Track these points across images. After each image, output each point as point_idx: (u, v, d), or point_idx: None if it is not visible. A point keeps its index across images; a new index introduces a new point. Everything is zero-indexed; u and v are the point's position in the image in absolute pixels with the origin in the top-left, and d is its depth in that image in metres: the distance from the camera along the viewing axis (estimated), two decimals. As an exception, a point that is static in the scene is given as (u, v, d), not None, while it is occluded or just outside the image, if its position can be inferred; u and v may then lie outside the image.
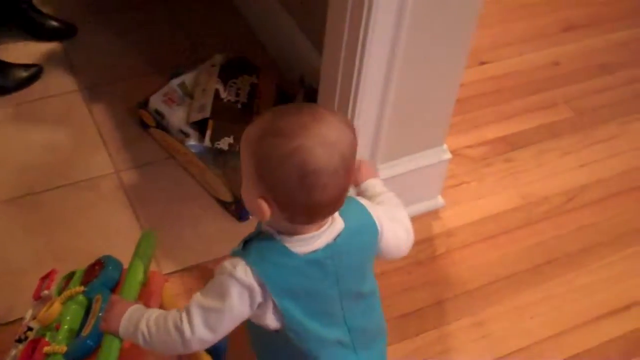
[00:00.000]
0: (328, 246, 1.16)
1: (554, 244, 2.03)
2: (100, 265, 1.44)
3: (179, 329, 1.15)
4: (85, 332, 1.31)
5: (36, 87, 2.32)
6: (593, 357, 1.79)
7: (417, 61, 1.69)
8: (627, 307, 1.90)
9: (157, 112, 2.14)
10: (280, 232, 1.15)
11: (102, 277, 1.41)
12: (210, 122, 2.03)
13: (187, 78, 2.20)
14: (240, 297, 1.13)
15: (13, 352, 1.45)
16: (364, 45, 1.60)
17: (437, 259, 1.94)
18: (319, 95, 1.87)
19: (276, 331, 1.18)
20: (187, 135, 2.08)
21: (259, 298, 1.13)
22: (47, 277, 1.56)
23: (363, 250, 1.24)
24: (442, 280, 1.90)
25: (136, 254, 1.36)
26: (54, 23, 2.49)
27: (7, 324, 1.73)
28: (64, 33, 2.50)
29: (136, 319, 1.19)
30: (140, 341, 1.19)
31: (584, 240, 2.05)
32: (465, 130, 2.32)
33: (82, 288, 1.40)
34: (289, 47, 2.34)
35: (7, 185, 2.04)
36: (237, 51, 2.29)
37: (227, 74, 2.16)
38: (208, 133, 2.02)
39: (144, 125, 2.20)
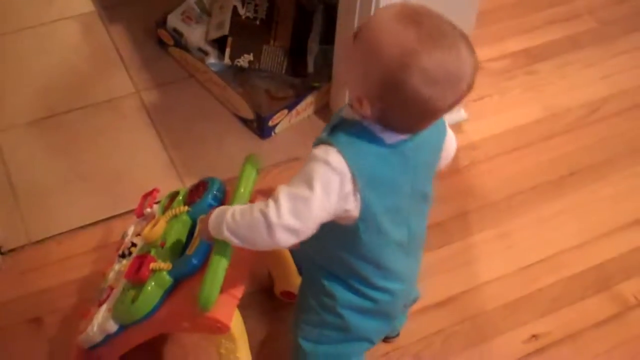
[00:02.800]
0: (411, 138, 1.15)
1: (577, 156, 2.02)
2: (204, 186, 1.43)
3: (265, 214, 1.10)
4: (190, 251, 1.31)
5: (52, 9, 2.30)
6: (615, 266, 1.79)
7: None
8: (649, 217, 1.90)
9: (176, 30, 2.12)
10: (366, 118, 1.13)
11: (206, 198, 1.40)
12: (229, 40, 2.02)
13: (205, -5, 2.18)
14: (331, 184, 1.10)
15: (116, 266, 1.48)
16: (384, -44, 1.58)
17: (461, 172, 1.94)
18: (338, 10, 1.84)
19: (344, 224, 1.18)
20: (206, 53, 2.07)
21: (348, 186, 1.11)
22: (149, 195, 1.57)
23: (436, 148, 1.25)
24: (466, 192, 1.90)
25: (241, 177, 1.35)
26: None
27: (37, 242, 1.76)
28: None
29: (222, 213, 1.18)
30: (226, 233, 1.16)
31: (607, 151, 2.04)
32: (487, 43, 2.28)
33: (186, 208, 1.40)
34: (307, -38, 2.30)
35: (29, 108, 2.04)
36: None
37: (244, -10, 2.14)
38: (227, 51, 2.01)
39: (163, 45, 2.18)
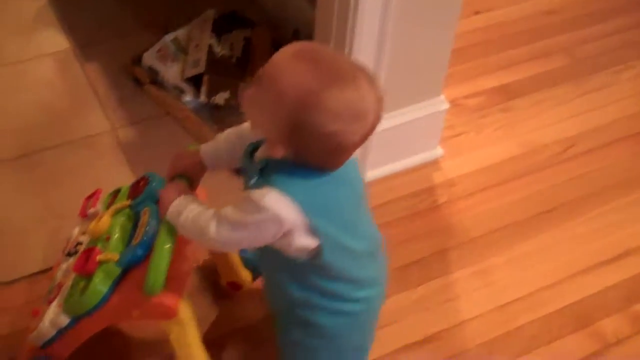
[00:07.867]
0: None
1: (552, 193, 2.03)
2: (145, 181, 1.48)
3: (205, 233, 1.21)
4: (136, 241, 1.36)
5: (28, 47, 2.29)
6: (593, 303, 1.79)
7: (412, 11, 1.68)
8: (625, 254, 1.90)
9: (151, 68, 2.12)
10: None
11: (147, 192, 1.45)
12: (206, 78, 2.02)
13: (180, 34, 2.18)
14: (265, 226, 1.16)
15: (64, 265, 1.50)
16: (358, -5, 1.59)
17: (439, 209, 1.95)
18: (315, 47, 1.85)
19: (306, 254, 1.20)
20: (182, 91, 2.06)
21: (287, 226, 1.15)
22: (92, 196, 1.61)
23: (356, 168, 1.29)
24: (445, 230, 1.90)
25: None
26: (42, -19, 2.46)
27: (11, 282, 1.73)
28: (53, -9, 2.47)
29: (179, 210, 1.27)
30: (179, 229, 1.28)
31: (581, 189, 2.05)
32: (462, 81, 2.31)
33: (129, 202, 1.46)
34: (282, 1, 2.31)
35: (4, 146, 2.03)
36: (229, 6, 2.26)
37: (220, 28, 2.15)
38: (203, 88, 2.01)
39: (139, 83, 2.18)
